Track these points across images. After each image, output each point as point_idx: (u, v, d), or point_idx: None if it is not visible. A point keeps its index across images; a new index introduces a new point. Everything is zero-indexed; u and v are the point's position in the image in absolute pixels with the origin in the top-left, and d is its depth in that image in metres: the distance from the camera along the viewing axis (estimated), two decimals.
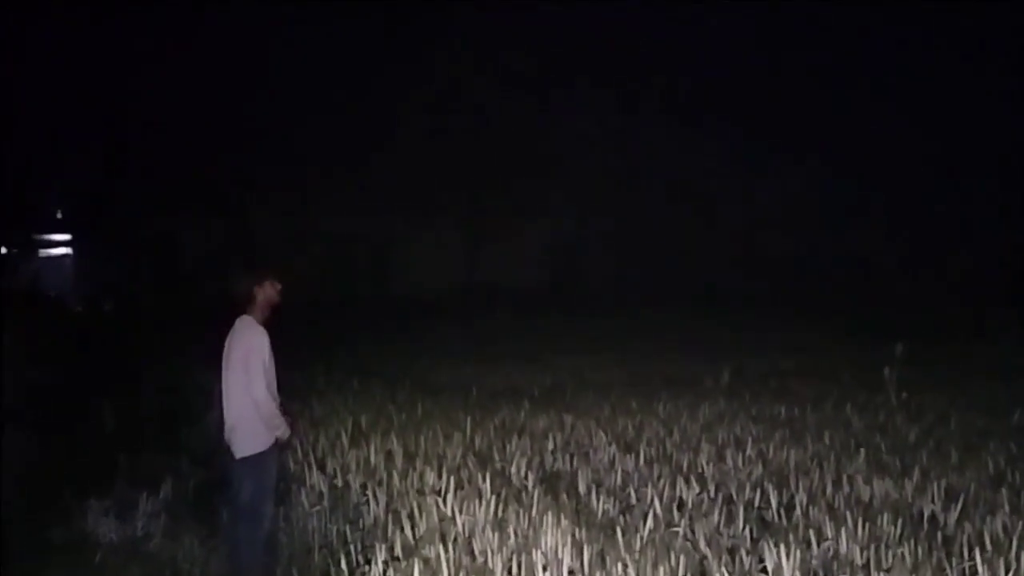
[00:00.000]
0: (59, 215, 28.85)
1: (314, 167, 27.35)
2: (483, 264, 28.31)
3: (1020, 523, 4.47)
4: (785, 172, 26.98)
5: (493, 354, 13.60)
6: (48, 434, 8.15)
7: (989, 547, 4.20)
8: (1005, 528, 4.49)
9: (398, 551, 4.32)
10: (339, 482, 5.78)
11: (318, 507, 5.64)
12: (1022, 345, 13.21)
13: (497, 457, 5.99)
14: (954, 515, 4.77)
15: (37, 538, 6.09)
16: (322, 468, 6.04)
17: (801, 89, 27.23)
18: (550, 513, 4.46)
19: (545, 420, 7.45)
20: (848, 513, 4.75)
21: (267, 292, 5.27)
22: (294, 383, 9.10)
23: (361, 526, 5.16)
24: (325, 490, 5.75)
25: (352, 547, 4.91)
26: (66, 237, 28.27)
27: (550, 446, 6.45)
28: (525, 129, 27.63)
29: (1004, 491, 5.15)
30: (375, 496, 5.21)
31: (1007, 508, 4.84)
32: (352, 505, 5.42)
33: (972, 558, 4.07)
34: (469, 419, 6.96)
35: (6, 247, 25.83)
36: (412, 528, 4.44)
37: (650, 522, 4.70)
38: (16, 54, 22.28)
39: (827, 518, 4.77)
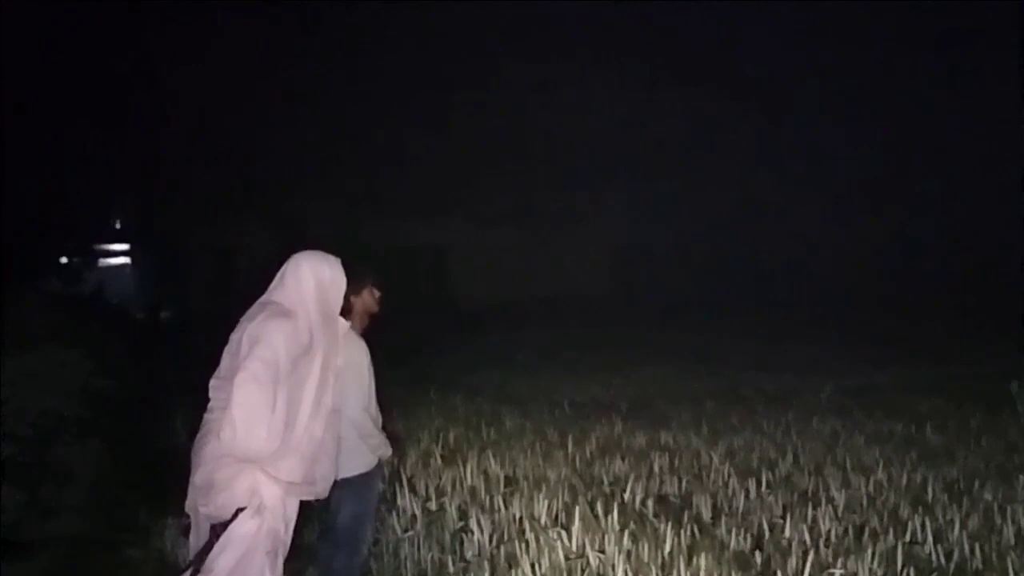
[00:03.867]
0: (117, 224, 28.98)
1: (373, 174, 27.16)
2: (546, 272, 27.84)
3: None
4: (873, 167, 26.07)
5: (566, 365, 13.10)
6: (118, 446, 7.81)
7: None
8: None
9: None
10: (433, 505, 5.32)
11: (411, 532, 5.19)
12: None
13: (605, 480, 5.50)
14: None
15: (111, 559, 5.74)
16: (413, 489, 5.58)
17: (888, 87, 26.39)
18: (687, 550, 3.96)
19: (643, 437, 6.95)
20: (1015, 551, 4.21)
21: (365, 300, 4.83)
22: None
23: (463, 556, 4.69)
24: (418, 513, 5.29)
25: None
26: (124, 247, 28.40)
27: (655, 467, 5.94)
28: (590, 132, 27.16)
29: None
30: (479, 523, 4.74)
31: None
32: (451, 532, 4.95)
33: None
34: (570, 437, 6.46)
35: (67, 256, 25.96)
36: (532, 565, 3.96)
37: (794, 559, 4.19)
38: (77, 62, 22.33)
39: (994, 555, 4.22)
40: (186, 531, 3.95)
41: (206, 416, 3.66)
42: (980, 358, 11.56)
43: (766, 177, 26.61)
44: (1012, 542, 4.43)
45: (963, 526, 4.65)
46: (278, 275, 3.75)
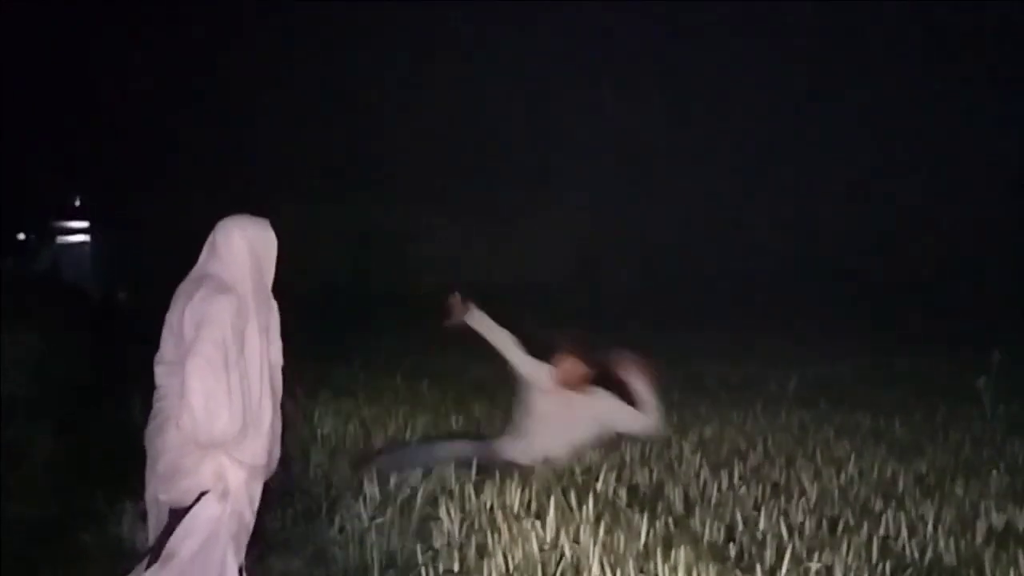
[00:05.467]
0: (77, 202, 28.38)
1: (342, 161, 26.91)
2: (510, 261, 27.74)
3: None
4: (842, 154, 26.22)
5: (531, 353, 12.97)
6: (74, 431, 7.60)
7: None
8: None
9: None
10: (401, 492, 5.20)
11: (378, 520, 5.05)
12: None
13: (577, 469, 5.42)
14: None
15: (67, 544, 5.55)
16: (380, 476, 5.45)
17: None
18: (662, 542, 3.89)
19: None
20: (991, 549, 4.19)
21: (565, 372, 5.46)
22: (332, 377, 8.60)
23: (432, 545, 4.58)
24: (386, 500, 5.16)
25: (424, 569, 4.31)
26: (84, 224, 27.82)
27: (627, 457, 5.87)
28: (557, 124, 27.10)
29: None
30: (448, 512, 4.63)
31: None
32: (420, 520, 4.83)
33: None
34: None
35: (24, 233, 25.39)
36: (505, 556, 3.86)
37: (770, 552, 4.14)
38: (47, 36, 21.80)
39: (969, 552, 4.21)
40: (145, 515, 3.83)
41: (157, 404, 3.51)
42: (945, 351, 11.64)
43: (733, 168, 26.71)
44: (985, 538, 4.41)
45: (937, 521, 4.63)
46: (207, 244, 3.52)
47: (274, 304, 3.64)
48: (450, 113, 27.55)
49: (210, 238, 3.54)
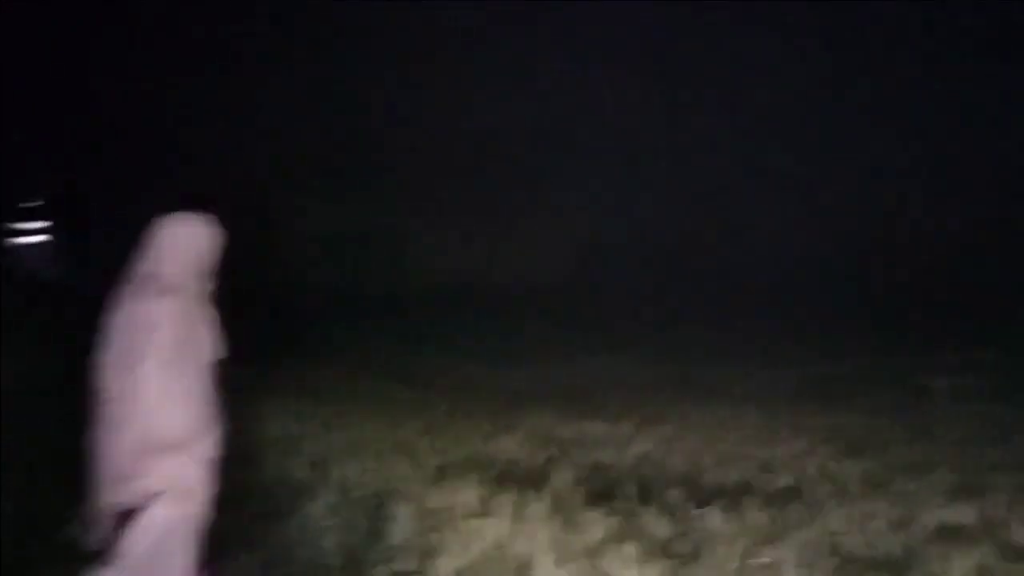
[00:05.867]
0: (39, 201, 28.18)
1: (333, 159, 26.90)
2: (506, 261, 27.72)
3: None
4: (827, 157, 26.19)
5: (513, 353, 13.03)
6: (58, 426, 7.63)
7: None
8: None
9: None
10: (357, 493, 5.22)
11: (334, 520, 5.07)
12: None
13: (533, 468, 5.45)
14: None
15: (54, 540, 5.61)
16: (339, 477, 5.47)
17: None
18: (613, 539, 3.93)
19: (574, 426, 6.91)
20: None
21: None
22: (315, 381, 8.63)
23: (389, 545, 4.60)
24: (342, 501, 5.18)
25: (383, 569, 4.33)
26: (45, 224, 27.61)
27: (588, 458, 5.90)
28: (545, 120, 27.09)
29: None
30: (405, 512, 4.66)
31: None
32: (376, 520, 4.85)
33: None
34: (501, 425, 6.42)
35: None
36: (459, 554, 3.88)
37: (720, 548, 4.17)
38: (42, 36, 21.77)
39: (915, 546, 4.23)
40: (91, 521, 3.83)
41: (106, 407, 3.53)
42: (943, 350, 11.57)
43: (732, 168, 26.68)
44: (932, 533, 4.43)
45: (886, 517, 4.65)
46: (148, 245, 3.51)
47: (210, 298, 3.68)
48: (449, 113, 27.50)
49: (150, 238, 3.57)
